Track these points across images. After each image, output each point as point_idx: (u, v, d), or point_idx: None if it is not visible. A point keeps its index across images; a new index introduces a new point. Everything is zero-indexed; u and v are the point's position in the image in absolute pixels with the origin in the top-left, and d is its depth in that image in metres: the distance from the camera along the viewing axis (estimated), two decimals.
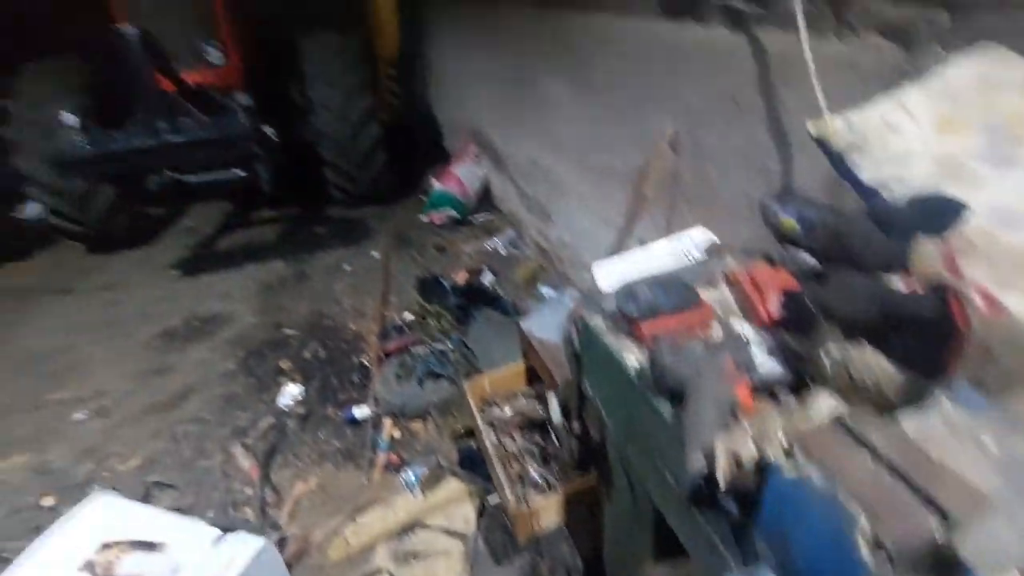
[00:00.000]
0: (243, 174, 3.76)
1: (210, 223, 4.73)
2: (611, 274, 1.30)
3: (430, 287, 3.02)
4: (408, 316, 2.91)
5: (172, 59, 3.32)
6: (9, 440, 2.42)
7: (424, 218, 4.15)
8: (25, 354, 3.08)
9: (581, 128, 2.67)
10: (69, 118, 3.09)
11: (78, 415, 2.55)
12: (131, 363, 2.90)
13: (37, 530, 1.48)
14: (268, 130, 3.24)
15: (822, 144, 0.96)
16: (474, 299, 2.75)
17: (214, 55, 3.76)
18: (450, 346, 2.47)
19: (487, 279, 3.10)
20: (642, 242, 1.72)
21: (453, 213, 4.01)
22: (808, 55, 1.21)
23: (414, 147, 5.62)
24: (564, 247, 3.15)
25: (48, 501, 2.10)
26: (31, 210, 4.24)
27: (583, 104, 2.59)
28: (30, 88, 3.76)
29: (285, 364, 2.71)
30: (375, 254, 3.77)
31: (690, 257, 1.30)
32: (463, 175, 4.15)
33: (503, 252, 3.61)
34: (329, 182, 4.35)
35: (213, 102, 3.65)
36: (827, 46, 1.27)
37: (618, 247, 2.15)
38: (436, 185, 4.22)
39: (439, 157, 5.26)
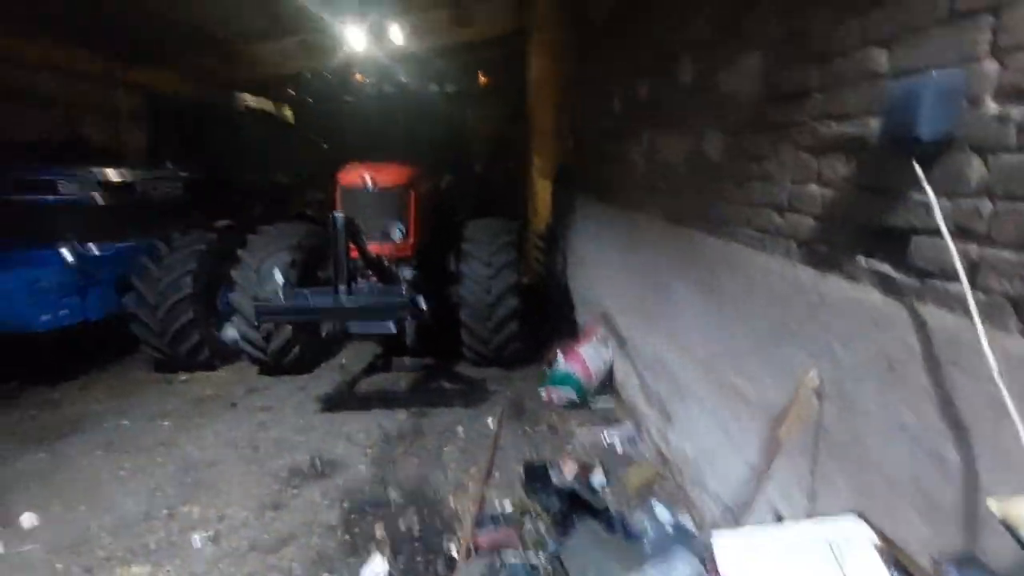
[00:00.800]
0: (394, 329, 4.26)
1: (360, 363, 5.32)
2: (737, 553, 1.13)
3: (535, 476, 2.91)
4: (508, 506, 2.79)
5: (365, 235, 4.15)
6: (137, 548, 2.68)
7: (542, 393, 4.18)
8: (182, 461, 3.53)
9: (709, 338, 2.60)
10: (278, 276, 3.94)
11: (196, 536, 2.76)
12: (256, 491, 3.14)
13: None
14: (423, 302, 3.71)
15: (1010, 529, 0.79)
16: (578, 505, 2.56)
17: (396, 232, 4.57)
18: (543, 560, 2.27)
19: (597, 480, 2.91)
20: (778, 515, 1.50)
21: (572, 395, 3.99)
22: (987, 349, 1.07)
23: (547, 312, 5.96)
24: (685, 459, 2.88)
25: None
26: (229, 334, 5.25)
27: (712, 316, 2.56)
28: (259, 243, 4.92)
29: (379, 531, 2.70)
30: (489, 421, 3.83)
31: (842, 556, 1.09)
32: (588, 356, 4.19)
33: (619, 448, 3.41)
34: (464, 342, 4.71)
35: (386, 270, 4.38)
36: (1010, 342, 1.11)
37: (749, 490, 1.90)
38: (560, 362, 4.30)
39: (569, 328, 5.46)
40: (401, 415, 4.07)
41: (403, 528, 2.74)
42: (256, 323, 4.52)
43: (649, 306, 3.41)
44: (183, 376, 5.12)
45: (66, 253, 4.72)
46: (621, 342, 4.08)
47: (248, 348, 4.80)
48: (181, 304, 4.92)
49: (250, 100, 7.00)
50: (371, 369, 5.18)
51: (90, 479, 3.35)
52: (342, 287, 3.68)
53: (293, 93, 8.10)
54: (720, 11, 2.43)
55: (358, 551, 2.57)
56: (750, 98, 2.22)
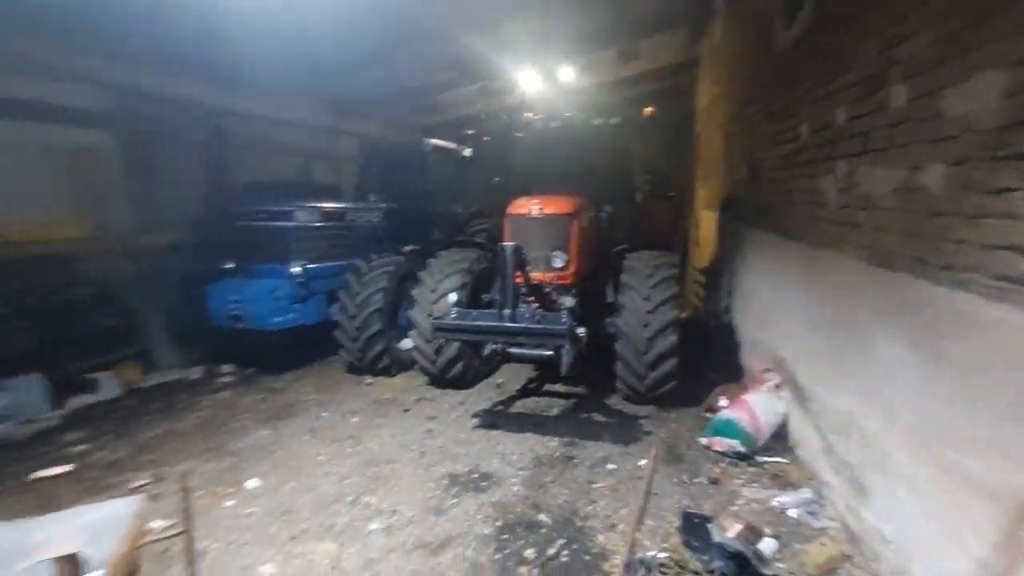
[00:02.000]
0: (550, 354, 4.38)
1: (514, 384, 5.58)
2: None
3: (694, 529, 2.72)
4: (661, 555, 2.64)
5: (529, 263, 4.39)
6: (328, 526, 3.13)
7: (703, 440, 3.90)
8: (366, 455, 4.05)
9: (923, 403, 2.18)
10: (453, 297, 4.37)
11: (374, 525, 3.13)
12: (421, 493, 3.46)
13: None
14: (581, 331, 3.77)
15: None
16: (745, 571, 2.32)
17: (557, 260, 4.74)
18: None
19: (767, 547, 2.60)
20: None
21: (738, 446, 3.65)
22: None
23: (707, 351, 5.57)
24: (883, 542, 2.43)
25: None
26: (406, 344, 5.92)
27: (929, 378, 2.14)
28: (436, 267, 5.49)
29: (529, 554, 2.77)
30: (642, 463, 3.68)
31: None
32: (757, 406, 3.81)
33: (793, 515, 3.01)
34: (618, 375, 4.64)
35: (547, 297, 4.57)
36: None
37: None
38: (724, 408, 3.98)
39: (732, 371, 5.04)
40: (552, 442, 4.14)
41: (551, 554, 2.77)
42: (431, 338, 5.05)
43: (840, 358, 2.98)
44: (368, 379, 5.89)
45: (295, 269, 5.85)
46: (799, 394, 3.63)
47: (421, 359, 5.36)
48: (372, 316, 5.72)
49: (436, 141, 7.95)
50: (525, 391, 5.38)
51: (298, 459, 4.03)
52: (507, 311, 3.94)
53: (471, 132, 9.01)
54: (948, 25, 2.10)
55: (508, 571, 2.66)
56: (987, 123, 1.87)
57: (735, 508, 3.14)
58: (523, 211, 4.81)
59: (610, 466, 3.72)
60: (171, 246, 6.79)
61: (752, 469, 3.58)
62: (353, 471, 3.81)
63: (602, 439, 4.14)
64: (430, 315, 5.17)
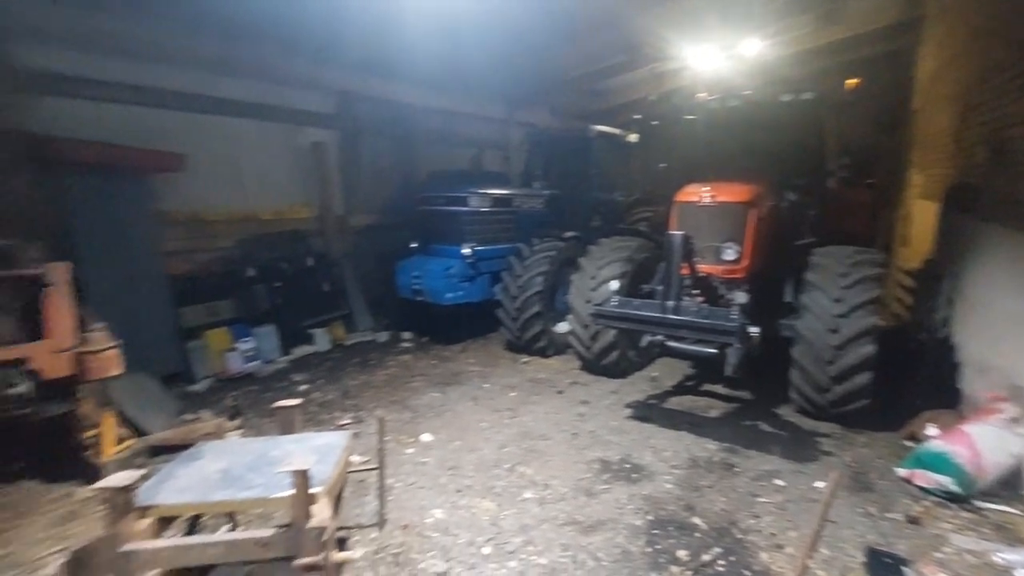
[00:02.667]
0: (714, 351, 4.13)
1: (670, 379, 5.40)
2: None
3: (883, 569, 2.37)
4: None
5: (697, 254, 4.17)
6: (488, 486, 3.43)
7: (901, 471, 3.34)
8: (522, 428, 4.32)
9: None
10: (614, 285, 4.36)
11: (528, 494, 3.34)
12: (575, 472, 3.58)
13: None
14: (753, 330, 3.48)
15: None
16: None
17: (729, 252, 4.40)
18: None
19: None
20: None
21: (950, 484, 3.05)
22: None
23: (910, 368, 4.71)
24: None
25: (486, 549, 2.81)
26: (562, 328, 6.09)
27: None
28: (597, 253, 5.51)
29: (682, 555, 2.70)
30: (819, 485, 3.30)
31: None
32: (982, 440, 3.13)
33: None
34: (793, 384, 4.19)
35: (714, 291, 4.30)
36: None
37: None
38: (934, 439, 3.35)
39: (943, 396, 4.20)
40: (710, 444, 3.93)
41: (706, 560, 2.66)
42: (589, 324, 5.13)
43: None
44: (525, 358, 6.21)
45: (466, 250, 6.39)
46: None
47: (576, 344, 5.47)
48: (532, 298, 6.00)
49: (600, 127, 7.89)
50: (682, 388, 5.17)
51: (463, 422, 4.46)
52: (670, 302, 3.80)
53: (638, 117, 8.74)
54: None
55: (659, 567, 2.63)
56: None
57: (940, 556, 2.65)
58: (693, 198, 4.56)
59: (778, 482, 3.40)
60: (371, 227, 7.93)
61: (967, 514, 2.97)
62: (510, 441, 4.09)
63: (769, 451, 3.80)
64: (588, 301, 5.24)
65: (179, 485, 2.12)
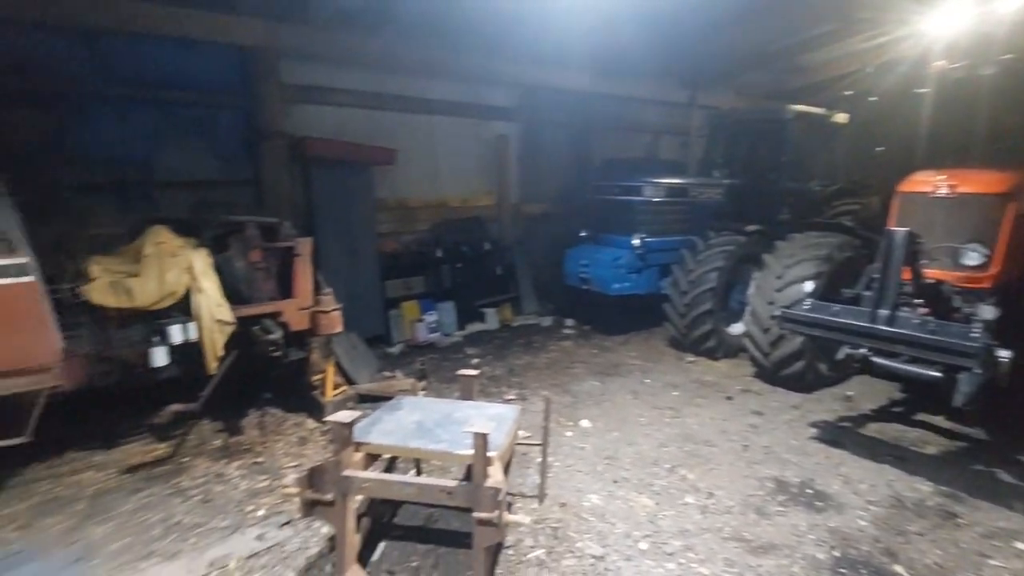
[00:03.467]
0: (937, 376, 3.41)
1: (869, 401, 4.64)
2: None
3: None
4: None
5: (925, 257, 3.47)
6: (647, 483, 3.36)
7: None
8: (684, 429, 4.13)
9: None
10: (808, 286, 3.87)
11: (689, 499, 3.20)
12: (742, 485, 3.32)
13: None
14: (1004, 354, 2.79)
15: None
16: None
17: (972, 256, 3.58)
18: None
19: None
20: None
21: None
22: None
23: None
24: None
25: (643, 545, 2.77)
26: (735, 329, 5.64)
27: None
28: (787, 250, 4.93)
29: None
30: None
31: None
32: None
33: None
34: None
35: (946, 302, 3.54)
36: None
37: None
38: None
39: None
40: (923, 486, 3.28)
41: None
42: (770, 327, 4.66)
43: None
44: (690, 357, 5.89)
45: (635, 241, 6.25)
46: None
47: (752, 348, 5.01)
48: (704, 295, 5.64)
49: (798, 107, 6.95)
50: (885, 414, 4.40)
51: (622, 413, 4.43)
52: (884, 311, 3.25)
53: (850, 94, 7.51)
54: None
55: None
56: None
57: None
58: (925, 189, 3.79)
59: (1018, 544, 2.71)
60: (543, 215, 8.24)
61: None
62: (670, 441, 3.95)
63: (1009, 506, 3.04)
64: (771, 303, 4.75)
65: (384, 429, 2.51)
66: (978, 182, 3.62)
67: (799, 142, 6.95)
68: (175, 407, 3.35)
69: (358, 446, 2.34)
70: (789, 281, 4.63)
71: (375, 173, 6.30)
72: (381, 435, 2.44)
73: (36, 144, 2.69)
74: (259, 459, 3.61)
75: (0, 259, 2.57)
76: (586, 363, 5.79)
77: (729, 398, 4.78)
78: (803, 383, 4.82)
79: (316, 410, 4.14)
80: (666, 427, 4.18)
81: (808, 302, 3.76)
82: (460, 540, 2.76)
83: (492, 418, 2.63)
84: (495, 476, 2.15)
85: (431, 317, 6.71)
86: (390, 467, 2.93)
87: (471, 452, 2.16)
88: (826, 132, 7.17)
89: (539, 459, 3.54)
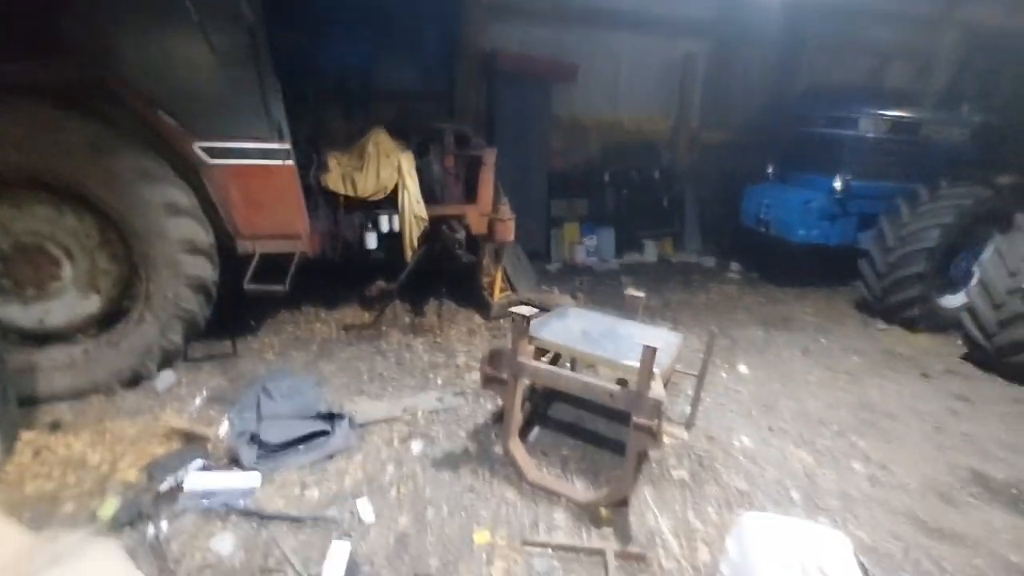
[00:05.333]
0: None
1: None
2: None
3: None
4: None
5: None
6: (808, 439, 3.17)
7: None
8: (862, 398, 3.75)
9: None
10: None
11: (857, 465, 2.96)
12: (927, 467, 2.97)
13: None
14: None
15: None
16: None
17: None
18: None
19: None
20: None
21: None
22: None
23: None
24: None
25: (795, 495, 2.69)
26: (951, 301, 4.96)
27: None
28: None
29: None
30: None
31: None
32: None
33: None
34: None
35: None
36: None
37: None
38: None
39: None
40: None
41: None
42: (1004, 304, 3.87)
43: None
44: (881, 324, 5.17)
45: (837, 183, 5.43)
46: None
47: (971, 327, 4.22)
48: (916, 255, 4.80)
49: None
50: None
51: (787, 367, 4.14)
52: None
53: None
54: None
55: None
56: None
57: None
58: None
59: None
60: (723, 144, 7.52)
61: None
62: (842, 405, 3.62)
63: None
64: (1014, 274, 3.88)
65: (554, 330, 2.72)
66: None
67: None
68: (381, 284, 4.02)
69: (531, 339, 2.59)
70: None
71: (555, 89, 6.27)
72: (551, 334, 2.65)
73: (288, 60, 3.23)
74: (438, 339, 4.18)
75: (274, 143, 3.21)
76: (750, 311, 5.42)
77: (926, 375, 4.16)
78: None
79: (484, 308, 4.59)
80: (839, 391, 3.83)
81: None
82: (605, 443, 2.97)
83: (656, 339, 2.67)
84: (657, 388, 2.24)
85: (590, 241, 6.78)
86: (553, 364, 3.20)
87: (636, 364, 2.26)
88: None
89: (690, 391, 3.57)
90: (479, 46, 5.80)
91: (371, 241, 3.83)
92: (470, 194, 4.34)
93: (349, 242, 3.89)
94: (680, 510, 2.51)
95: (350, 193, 3.73)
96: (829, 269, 6.03)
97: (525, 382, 2.64)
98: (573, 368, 3.31)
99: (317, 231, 3.71)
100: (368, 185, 3.73)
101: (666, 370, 2.49)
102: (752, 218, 6.22)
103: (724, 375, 3.96)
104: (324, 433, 2.75)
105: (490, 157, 4.26)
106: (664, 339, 2.73)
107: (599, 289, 5.78)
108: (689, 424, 3.03)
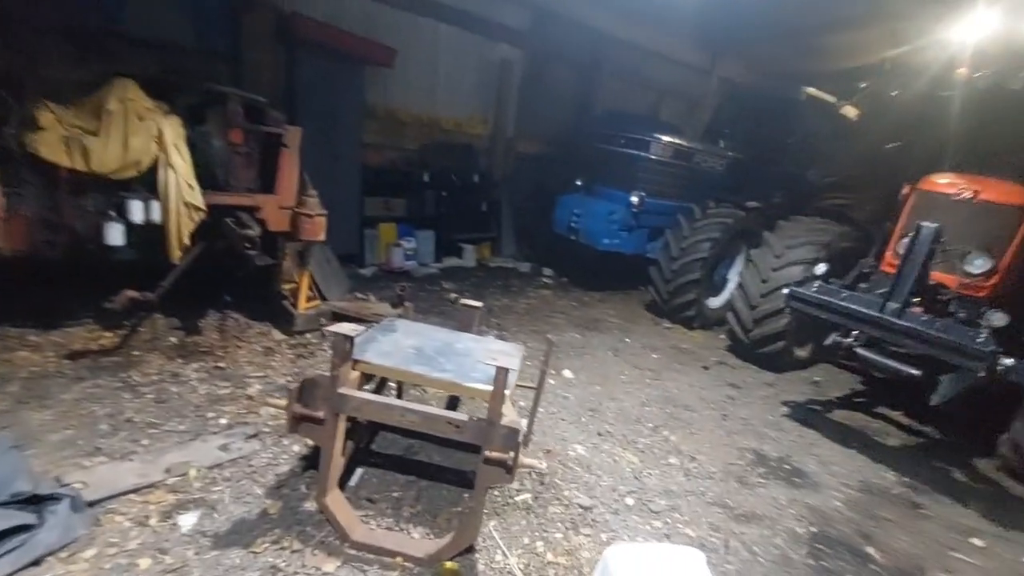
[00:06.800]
0: (916, 374, 3.49)
1: (835, 389, 4.78)
2: None
3: None
4: None
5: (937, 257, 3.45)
6: (631, 439, 3.30)
7: None
8: (664, 392, 4.10)
9: None
10: (821, 268, 3.82)
11: (673, 460, 3.16)
12: (724, 454, 3.32)
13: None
14: (1008, 362, 2.82)
15: None
16: None
17: (977, 263, 3.60)
18: None
19: None
20: None
21: None
22: None
23: None
24: None
25: (629, 500, 2.72)
26: (714, 302, 5.69)
27: None
28: (788, 231, 4.88)
29: None
30: None
31: None
32: None
33: None
34: (1011, 440, 3.42)
35: (944, 305, 3.57)
36: None
37: None
38: None
39: None
40: (888, 475, 3.40)
41: None
42: (757, 304, 4.66)
43: None
44: (667, 323, 5.89)
45: (634, 198, 6.04)
46: None
47: (734, 324, 5.01)
48: (694, 264, 5.56)
49: (812, 91, 6.78)
50: (849, 403, 4.55)
51: (604, 369, 4.35)
52: (894, 304, 3.23)
53: (863, 86, 7.39)
54: None
55: None
56: None
57: None
58: (947, 190, 3.75)
59: (976, 542, 2.84)
60: (536, 155, 7.83)
61: None
62: (652, 401, 3.91)
63: (965, 504, 3.19)
64: (765, 281, 4.72)
65: (382, 349, 2.24)
66: (1000, 191, 3.59)
67: (806, 128, 6.85)
68: (130, 293, 2.91)
69: (355, 363, 2.08)
70: (788, 261, 4.60)
71: (368, 73, 5.66)
72: (380, 355, 2.18)
73: None
74: (220, 364, 3.27)
75: None
76: (566, 314, 5.66)
77: (706, 368, 4.80)
78: (777, 363, 4.90)
79: (285, 321, 3.80)
80: (647, 387, 4.14)
81: (816, 284, 3.71)
82: (442, 474, 2.61)
83: (497, 353, 2.42)
84: (510, 414, 1.96)
85: (409, 244, 6.34)
86: (380, 391, 2.70)
87: (483, 386, 1.95)
88: (833, 122, 7.06)
89: (522, 403, 3.43)
90: (274, 4, 4.87)
91: (114, 235, 2.76)
92: (267, 182, 3.53)
93: (79, 235, 2.76)
94: (529, 542, 2.28)
95: (79, 167, 2.63)
96: (624, 275, 6.69)
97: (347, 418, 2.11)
98: (400, 392, 2.86)
99: (20, 217, 2.53)
100: (110, 157, 2.69)
101: (513, 390, 2.25)
102: (563, 226, 6.56)
103: (552, 381, 3.95)
104: (25, 528, 1.79)
105: (293, 138, 3.53)
106: (507, 353, 2.49)
107: (420, 295, 5.39)
108: (527, 440, 2.84)
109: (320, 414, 1.95)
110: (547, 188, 7.12)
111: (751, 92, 7.62)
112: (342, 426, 2.03)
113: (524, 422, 2.75)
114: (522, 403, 3.43)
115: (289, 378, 3.24)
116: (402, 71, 5.99)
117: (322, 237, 3.68)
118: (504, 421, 1.89)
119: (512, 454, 1.87)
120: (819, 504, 2.95)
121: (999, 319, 3.05)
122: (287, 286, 3.91)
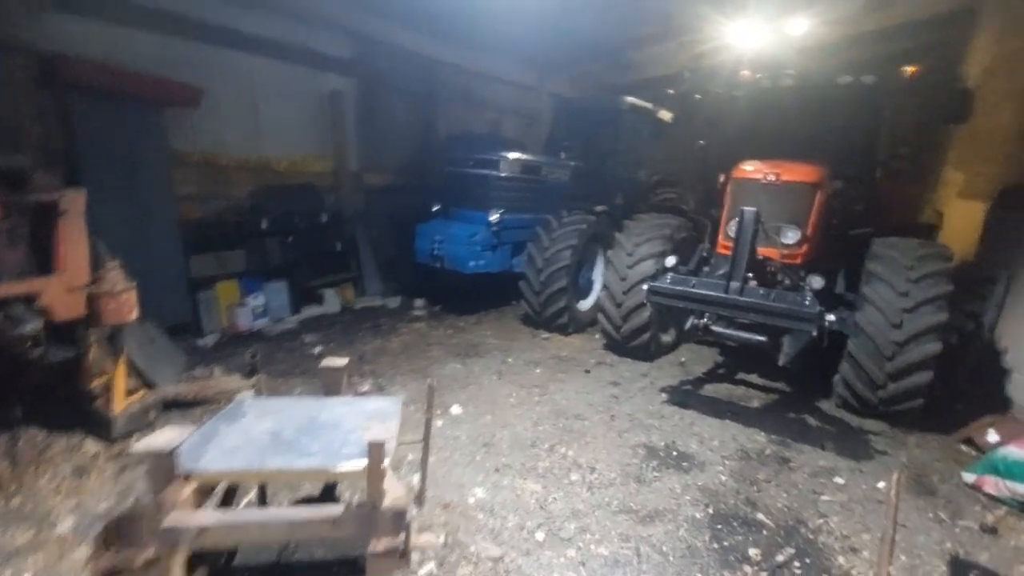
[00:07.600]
0: (763, 339, 3.91)
1: (699, 366, 5.21)
2: None
3: None
4: None
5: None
6: (529, 466, 3.20)
7: (968, 477, 3.18)
8: (553, 405, 4.09)
9: None
10: (671, 260, 4.12)
11: (574, 476, 3.12)
12: (619, 456, 3.37)
13: None
14: (831, 318, 3.27)
15: None
16: None
17: (789, 235, 4.16)
18: None
19: None
20: None
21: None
22: None
23: (949, 372, 4.56)
24: None
25: (539, 535, 2.60)
26: (584, 305, 5.92)
27: None
28: (636, 229, 5.24)
29: (753, 554, 2.51)
30: (881, 486, 3.13)
31: None
32: None
33: None
34: (842, 379, 4.01)
35: (771, 276, 4.06)
36: None
37: None
38: (997, 444, 3.20)
39: (988, 401, 4.09)
40: (759, 436, 3.74)
41: (780, 561, 2.47)
42: (622, 302, 4.91)
43: None
44: (544, 334, 5.98)
45: (493, 217, 6.06)
46: None
47: (605, 323, 5.23)
48: (559, 272, 5.72)
49: (631, 100, 7.51)
50: (714, 376, 4.98)
51: (491, 396, 4.22)
52: (735, 283, 3.57)
53: (671, 92, 8.37)
54: None
55: (731, 566, 2.44)
56: None
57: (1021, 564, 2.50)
58: (755, 176, 4.28)
59: (838, 480, 3.22)
60: (386, 187, 7.53)
61: None
62: (543, 419, 3.87)
63: (822, 447, 3.62)
64: (623, 279, 4.99)
65: (225, 447, 1.84)
66: (797, 172, 4.20)
67: (631, 133, 7.53)
68: None
69: (187, 478, 1.66)
70: (640, 258, 4.91)
71: (170, 116, 4.94)
72: (222, 456, 1.77)
73: None
74: (13, 500, 2.50)
75: None
76: (443, 345, 5.45)
77: (587, 371, 4.92)
78: (648, 352, 5.21)
79: (100, 427, 3.06)
80: (536, 405, 4.10)
81: (670, 276, 3.99)
82: (330, 573, 2.24)
83: (372, 416, 2.15)
84: (393, 492, 1.71)
85: (256, 300, 5.65)
86: (228, 498, 2.23)
87: (358, 465, 1.68)
88: (653, 126, 7.88)
89: (411, 456, 3.16)
90: (31, 45, 4.01)
91: None
92: (44, 261, 2.82)
93: None
94: None
95: None
96: (494, 293, 6.69)
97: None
98: (263, 492, 2.41)
99: None
100: None
101: (394, 457, 1.99)
102: (426, 254, 6.36)
103: (439, 423, 3.72)
104: None
105: (74, 203, 2.86)
106: (382, 413, 2.21)
107: (279, 357, 4.80)
108: (421, 499, 2.58)
109: (145, 557, 1.51)
110: (403, 218, 6.88)
111: (580, 105, 8.18)
112: (181, 562, 1.60)
113: (416, 478, 2.51)
114: (411, 456, 3.15)
115: (111, 502, 2.59)
116: (213, 111, 5.34)
117: (134, 315, 3.04)
118: (387, 502, 1.63)
119: (403, 537, 1.62)
120: (708, 483, 3.11)
121: (817, 282, 3.55)
122: (98, 382, 3.16)
